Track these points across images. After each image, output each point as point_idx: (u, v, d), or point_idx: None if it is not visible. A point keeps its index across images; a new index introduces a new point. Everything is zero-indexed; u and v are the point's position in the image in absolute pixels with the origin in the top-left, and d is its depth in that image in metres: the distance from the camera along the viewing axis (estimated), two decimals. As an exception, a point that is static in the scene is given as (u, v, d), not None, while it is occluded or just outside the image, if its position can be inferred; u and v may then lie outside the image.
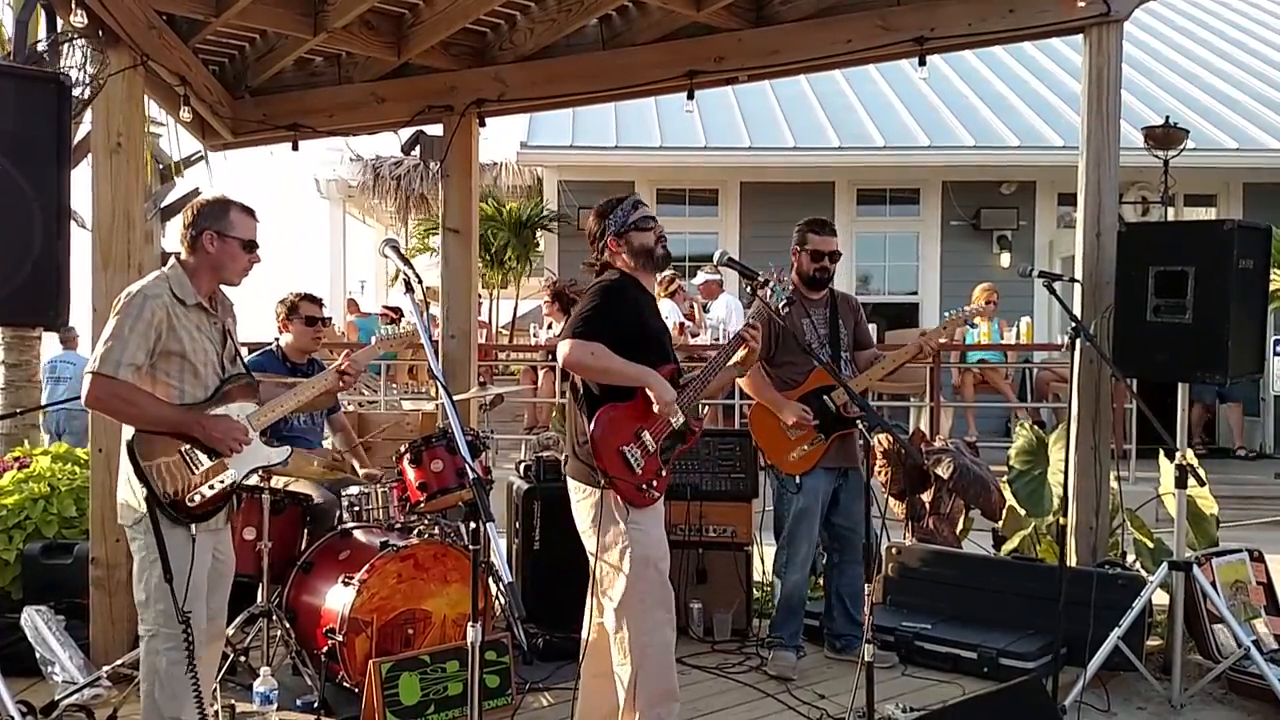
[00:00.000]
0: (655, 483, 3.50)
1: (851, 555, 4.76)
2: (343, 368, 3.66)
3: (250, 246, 3.43)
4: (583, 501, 3.50)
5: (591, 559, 3.48)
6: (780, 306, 3.70)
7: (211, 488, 3.28)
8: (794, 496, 4.62)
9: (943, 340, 5.18)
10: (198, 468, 3.26)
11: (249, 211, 3.45)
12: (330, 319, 5.63)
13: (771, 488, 4.77)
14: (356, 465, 5.26)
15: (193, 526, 3.24)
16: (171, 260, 3.39)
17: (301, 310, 5.14)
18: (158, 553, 3.15)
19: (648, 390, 3.43)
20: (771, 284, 3.66)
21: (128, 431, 3.25)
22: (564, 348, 3.43)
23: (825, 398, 4.57)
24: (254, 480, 3.83)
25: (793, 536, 4.66)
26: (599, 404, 3.46)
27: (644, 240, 3.58)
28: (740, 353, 3.70)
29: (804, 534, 4.65)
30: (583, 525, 3.51)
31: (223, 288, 3.50)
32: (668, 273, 9.57)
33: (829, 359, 4.56)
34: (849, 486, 4.74)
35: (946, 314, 4.83)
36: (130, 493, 3.25)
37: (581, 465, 3.48)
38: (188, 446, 3.25)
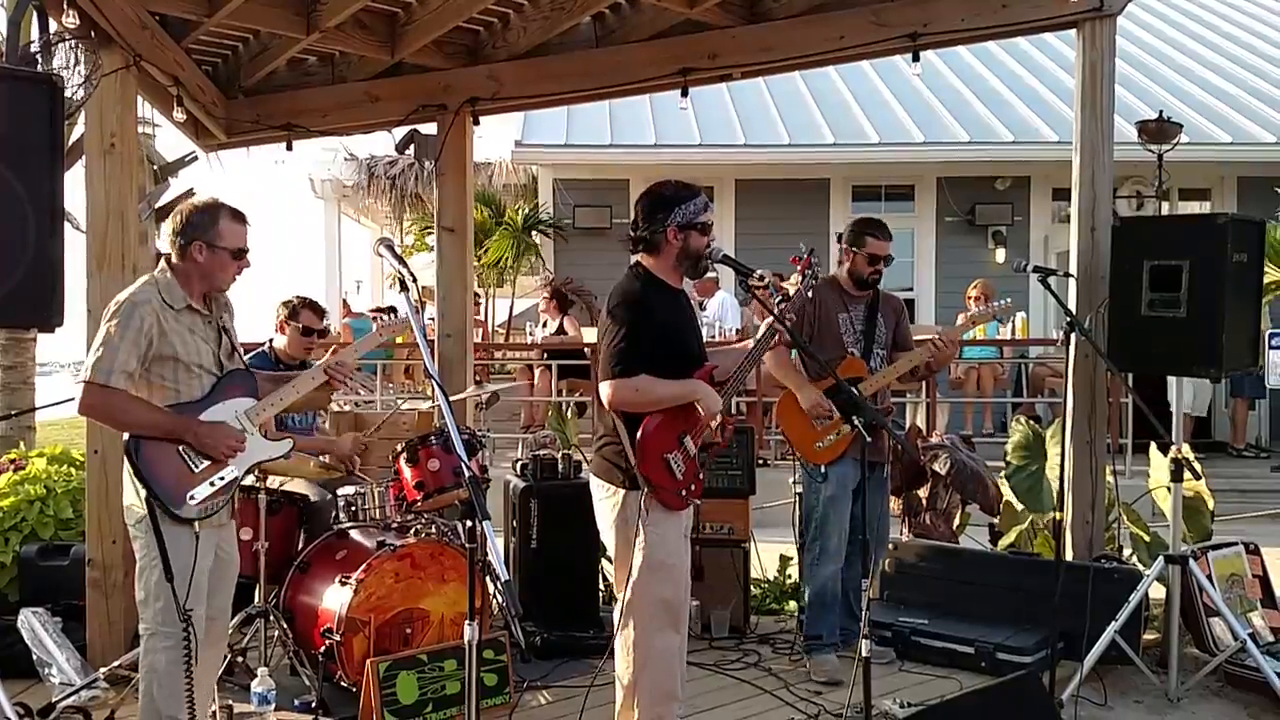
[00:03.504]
0: (694, 486, 3.49)
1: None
2: (329, 366, 3.54)
3: (240, 254, 3.40)
4: (604, 501, 3.48)
5: (611, 558, 3.49)
6: (808, 290, 3.86)
7: (213, 484, 3.28)
8: (821, 485, 4.59)
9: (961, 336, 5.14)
10: (196, 467, 3.26)
11: (239, 217, 3.41)
12: (328, 329, 5.60)
13: (799, 481, 4.72)
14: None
15: (196, 524, 3.24)
16: (160, 264, 3.38)
17: (301, 318, 5.08)
18: (158, 552, 3.13)
19: (697, 403, 3.42)
20: (807, 269, 3.83)
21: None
22: (606, 391, 3.37)
23: (855, 389, 4.54)
24: (250, 480, 3.83)
25: (823, 525, 4.58)
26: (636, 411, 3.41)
27: (699, 245, 3.46)
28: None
29: (834, 523, 4.57)
30: (603, 524, 3.51)
31: None
32: None
33: (860, 355, 4.59)
34: (873, 481, 4.62)
35: (963, 312, 4.72)
36: (134, 494, 3.25)
37: (605, 464, 3.46)
38: (184, 447, 3.24)
